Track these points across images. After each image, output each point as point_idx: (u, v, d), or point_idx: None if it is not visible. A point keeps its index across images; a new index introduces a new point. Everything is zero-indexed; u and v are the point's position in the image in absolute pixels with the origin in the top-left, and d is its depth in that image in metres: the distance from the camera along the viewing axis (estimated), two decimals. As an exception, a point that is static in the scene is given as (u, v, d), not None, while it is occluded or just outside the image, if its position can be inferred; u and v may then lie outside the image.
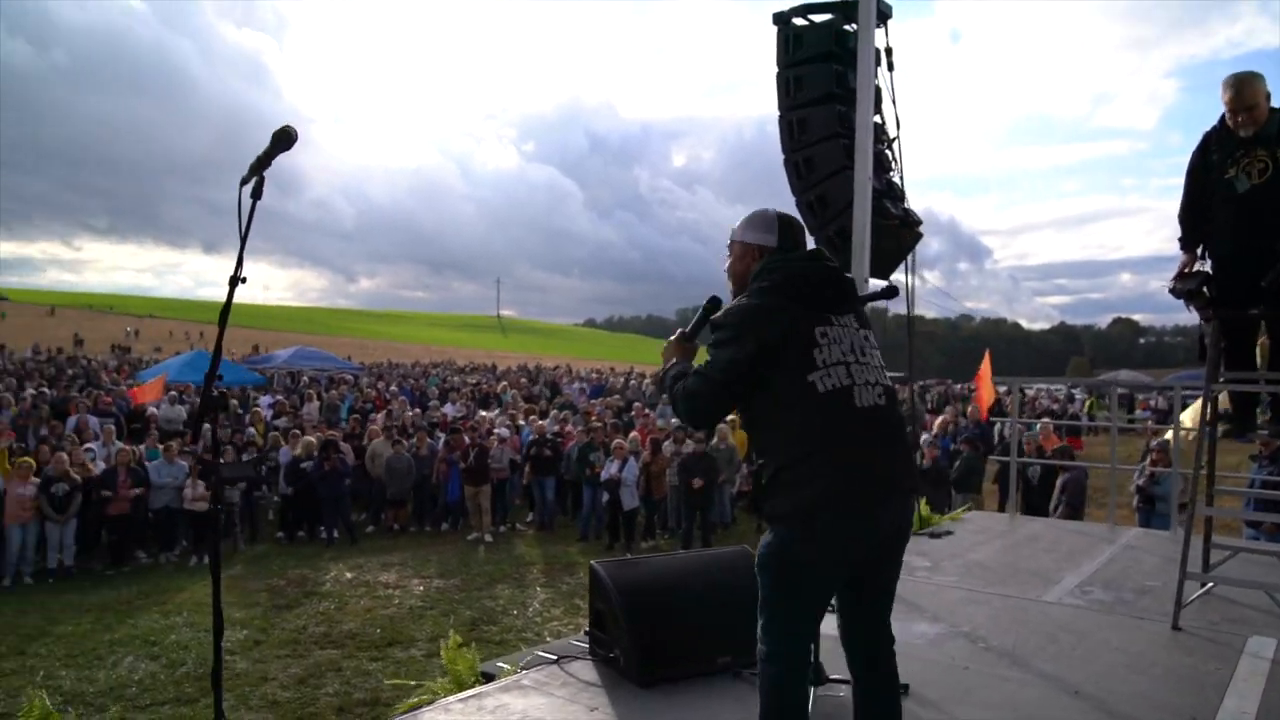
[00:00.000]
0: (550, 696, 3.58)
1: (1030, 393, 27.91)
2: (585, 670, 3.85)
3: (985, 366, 14.59)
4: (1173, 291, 4.81)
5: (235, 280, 2.19)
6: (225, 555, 11.51)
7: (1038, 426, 12.63)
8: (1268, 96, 4.47)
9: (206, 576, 8.92)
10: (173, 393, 18.62)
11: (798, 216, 2.80)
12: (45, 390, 18.84)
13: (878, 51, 6.09)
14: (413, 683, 4.39)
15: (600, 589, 3.83)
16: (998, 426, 15.28)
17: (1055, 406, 26.30)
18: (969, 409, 15.99)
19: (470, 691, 3.72)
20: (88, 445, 12.26)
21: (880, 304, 6.44)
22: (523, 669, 4.04)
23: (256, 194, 2.14)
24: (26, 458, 10.76)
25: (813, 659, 3.05)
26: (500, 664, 4.28)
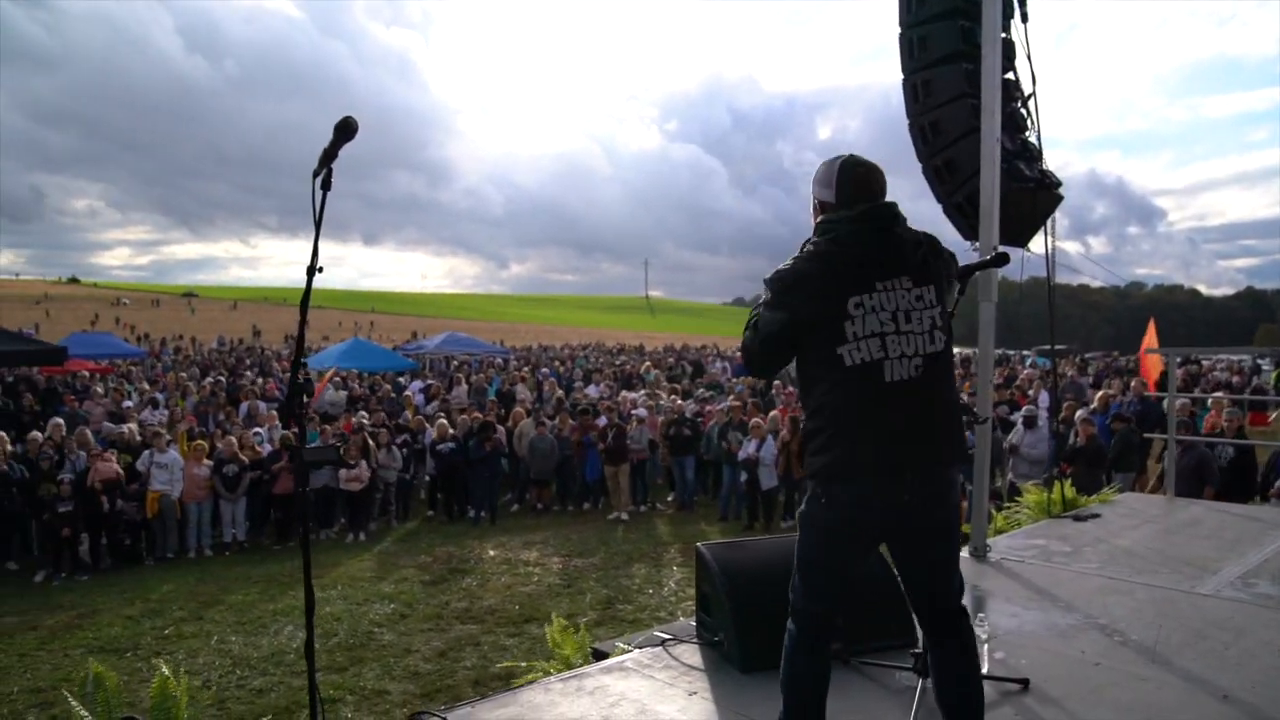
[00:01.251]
0: (650, 679, 3.56)
1: (1206, 364, 25.81)
2: (689, 654, 3.81)
3: (1150, 337, 13.59)
4: None
5: (312, 270, 2.25)
6: (379, 532, 12.16)
7: (1210, 402, 11.64)
8: None
9: (361, 553, 9.44)
10: (337, 379, 19.75)
11: (876, 165, 2.66)
12: (222, 378, 20.33)
13: (1009, 2, 5.71)
14: (523, 663, 4.46)
15: (706, 571, 3.78)
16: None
17: (1236, 379, 24.18)
18: (1133, 382, 14.95)
19: (572, 672, 3.75)
20: (256, 429, 13.16)
21: (1038, 273, 6.08)
22: (636, 649, 4.05)
23: (326, 185, 2.20)
24: (201, 441, 11.68)
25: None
26: (618, 643, 4.31)
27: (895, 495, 2.50)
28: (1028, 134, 6.07)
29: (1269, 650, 3.76)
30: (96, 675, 3.13)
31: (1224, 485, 8.83)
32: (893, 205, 2.64)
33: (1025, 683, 3.37)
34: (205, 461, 11.26)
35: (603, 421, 13.48)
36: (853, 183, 2.64)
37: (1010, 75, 5.87)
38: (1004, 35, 5.53)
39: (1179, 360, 10.32)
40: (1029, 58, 5.90)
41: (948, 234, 5.89)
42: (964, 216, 5.68)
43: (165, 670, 3.25)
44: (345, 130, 2.17)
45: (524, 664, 4.54)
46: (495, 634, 7.64)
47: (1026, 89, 6.00)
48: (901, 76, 6.18)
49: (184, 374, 23.95)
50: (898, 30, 6.13)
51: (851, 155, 2.68)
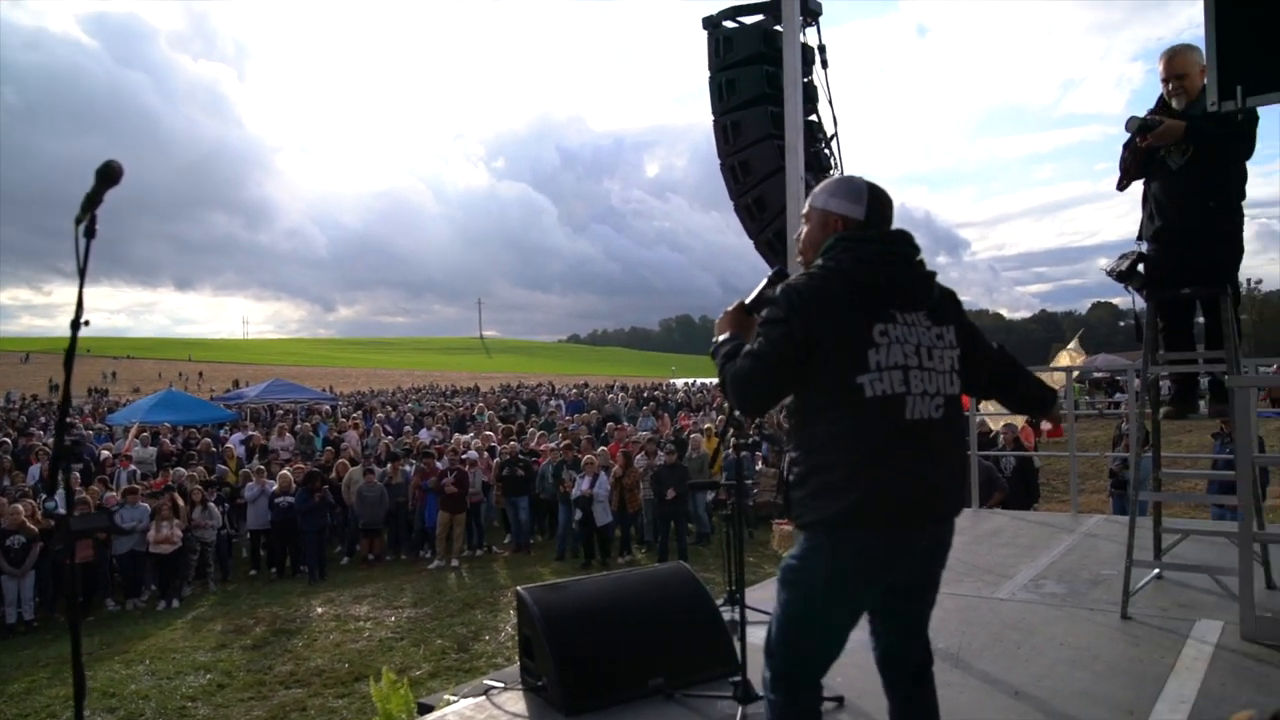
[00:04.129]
0: (473, 732, 3.46)
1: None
2: (513, 700, 3.73)
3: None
4: (1109, 273, 4.76)
5: (76, 324, 2.08)
6: (195, 597, 11.35)
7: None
8: (1202, 71, 4.44)
9: (173, 621, 8.77)
10: (145, 434, 18.43)
11: (887, 191, 2.52)
12: (8, 439, 18.55)
13: (809, 49, 6.04)
14: (346, 724, 4.25)
15: (526, 615, 3.72)
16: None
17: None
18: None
19: (392, 731, 3.60)
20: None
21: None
22: (461, 699, 3.94)
23: (90, 233, 2.05)
24: (-21, 511, 10.55)
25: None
26: (446, 695, 4.17)
27: (910, 545, 2.31)
28: (832, 173, 6.42)
29: (1053, 645, 4.07)
30: None
31: (1011, 491, 9.92)
32: (913, 236, 2.47)
33: (840, 700, 3.49)
34: (-13, 533, 10.17)
35: (442, 465, 13.15)
36: (881, 205, 2.46)
37: (813, 118, 6.21)
38: (806, 80, 5.84)
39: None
40: (830, 102, 6.27)
41: (763, 269, 6.13)
42: (774, 252, 5.93)
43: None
44: (108, 175, 2.04)
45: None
46: (323, 696, 7.27)
47: (829, 130, 6.36)
48: (712, 117, 6.44)
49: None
50: (708, 74, 6.39)
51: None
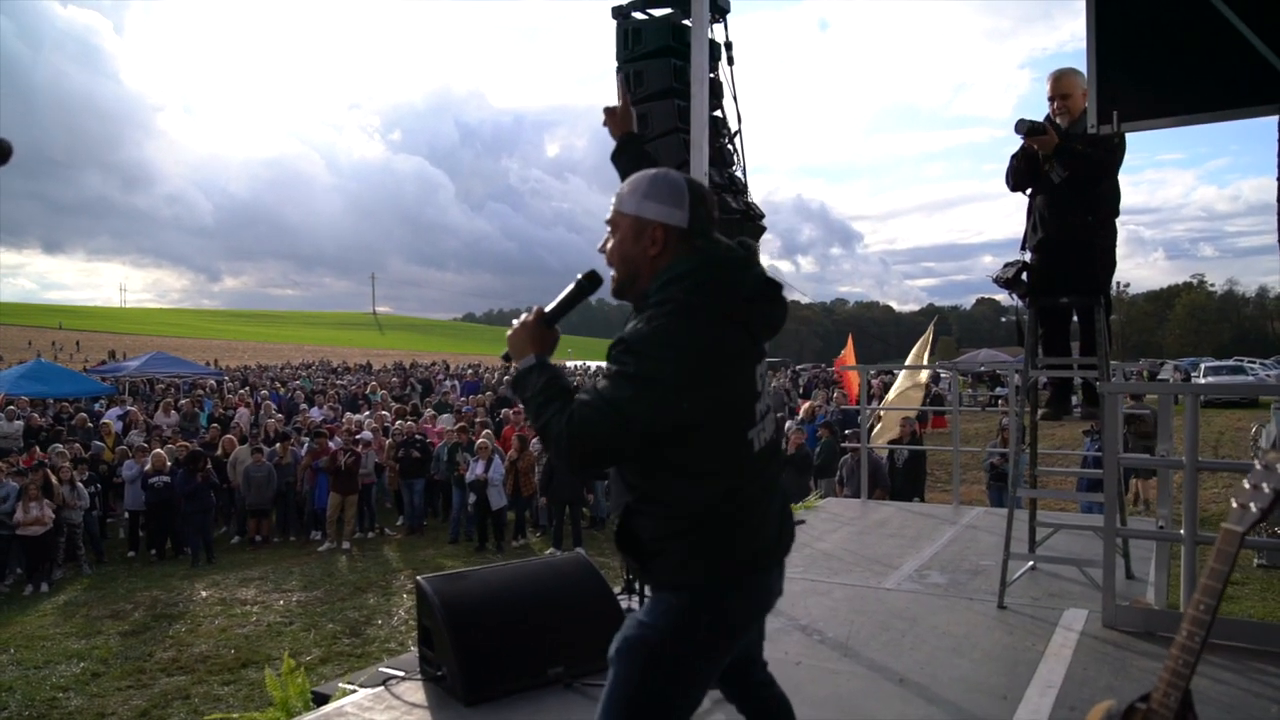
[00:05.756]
0: (372, 723, 3.44)
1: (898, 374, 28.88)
2: (413, 691, 3.72)
3: (848, 352, 15.02)
4: (995, 280, 5.02)
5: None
6: (66, 581, 10.81)
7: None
8: (1084, 93, 4.72)
9: (42, 606, 8.33)
10: (10, 407, 17.39)
11: (705, 185, 2.26)
12: None
13: (716, 45, 6.14)
14: (235, 715, 4.16)
15: (426, 605, 3.71)
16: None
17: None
18: (835, 394, 16.45)
19: (287, 724, 3.55)
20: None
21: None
22: (359, 688, 3.90)
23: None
24: None
25: None
26: (341, 684, 4.12)
27: (780, 578, 2.21)
28: (734, 169, 6.54)
29: (935, 633, 4.29)
30: None
31: (901, 483, 10.37)
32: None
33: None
34: None
35: (335, 445, 12.84)
36: (705, 205, 2.12)
37: (718, 113, 6.30)
38: (712, 76, 5.93)
39: (873, 373, 11.54)
40: (735, 98, 6.38)
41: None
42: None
43: None
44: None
45: (237, 715, 4.24)
46: (208, 683, 7.06)
47: (733, 127, 6.48)
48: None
49: None
50: (614, 64, 6.41)
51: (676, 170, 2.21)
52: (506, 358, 2.12)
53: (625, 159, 2.90)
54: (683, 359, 1.88)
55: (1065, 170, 4.51)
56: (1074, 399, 5.58)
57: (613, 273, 2.13)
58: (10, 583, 10.58)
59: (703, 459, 1.98)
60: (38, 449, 13.68)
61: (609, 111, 3.01)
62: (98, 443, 14.84)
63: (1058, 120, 4.71)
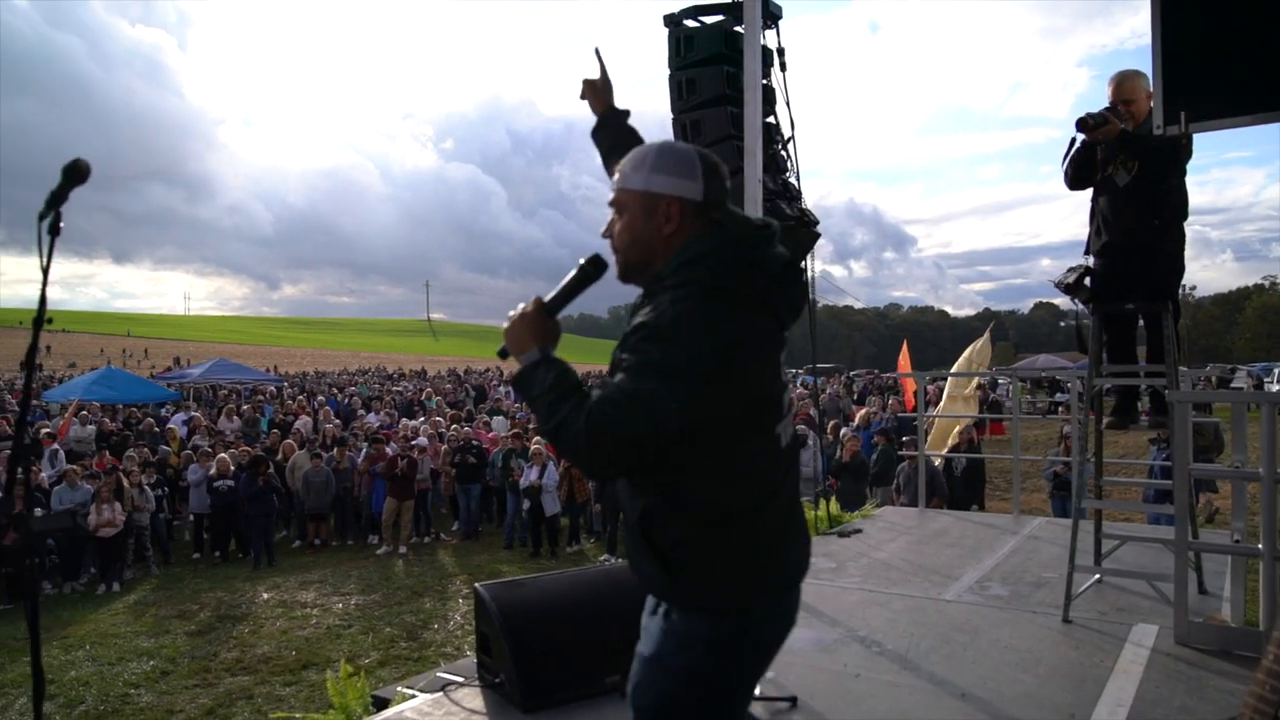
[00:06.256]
0: (431, 729, 3.48)
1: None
2: (471, 697, 3.76)
3: (904, 358, 14.82)
4: (1056, 285, 4.91)
5: (40, 322, 2.05)
6: (136, 581, 11.12)
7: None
8: (1148, 96, 4.61)
9: (113, 605, 8.59)
10: (84, 412, 17.97)
11: (716, 157, 2.01)
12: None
13: (769, 52, 6.11)
14: (299, 715, 4.24)
15: (484, 612, 3.74)
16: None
17: (981, 394, 26.79)
18: (890, 401, 16.24)
19: (349, 728, 3.60)
20: (-18, 473, 11.69)
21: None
22: (419, 692, 3.95)
23: (54, 230, 2.01)
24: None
25: None
26: (400, 688, 4.17)
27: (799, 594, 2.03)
28: (788, 175, 6.50)
29: (997, 647, 4.20)
30: None
31: (959, 492, 10.13)
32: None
33: (793, 700, 3.57)
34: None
35: (391, 451, 13.04)
36: (719, 178, 1.93)
37: (771, 119, 6.27)
38: (764, 82, 5.90)
39: (929, 379, 11.37)
40: (788, 104, 6.34)
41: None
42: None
43: None
44: (75, 173, 2.01)
45: (299, 715, 4.31)
46: (270, 683, 7.20)
47: (786, 133, 6.44)
48: (672, 115, 6.47)
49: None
50: (667, 72, 6.42)
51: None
52: (503, 354, 1.93)
53: (607, 134, 2.65)
54: (713, 346, 1.70)
55: (1132, 165, 4.40)
56: (1140, 406, 5.43)
57: (619, 256, 1.94)
58: (84, 582, 10.93)
59: (734, 457, 1.80)
60: (107, 453, 14.12)
61: (588, 84, 2.71)
62: (164, 447, 15.26)
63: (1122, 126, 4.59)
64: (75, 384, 22.65)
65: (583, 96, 2.73)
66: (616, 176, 1.95)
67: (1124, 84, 4.59)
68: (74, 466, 11.87)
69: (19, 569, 10.48)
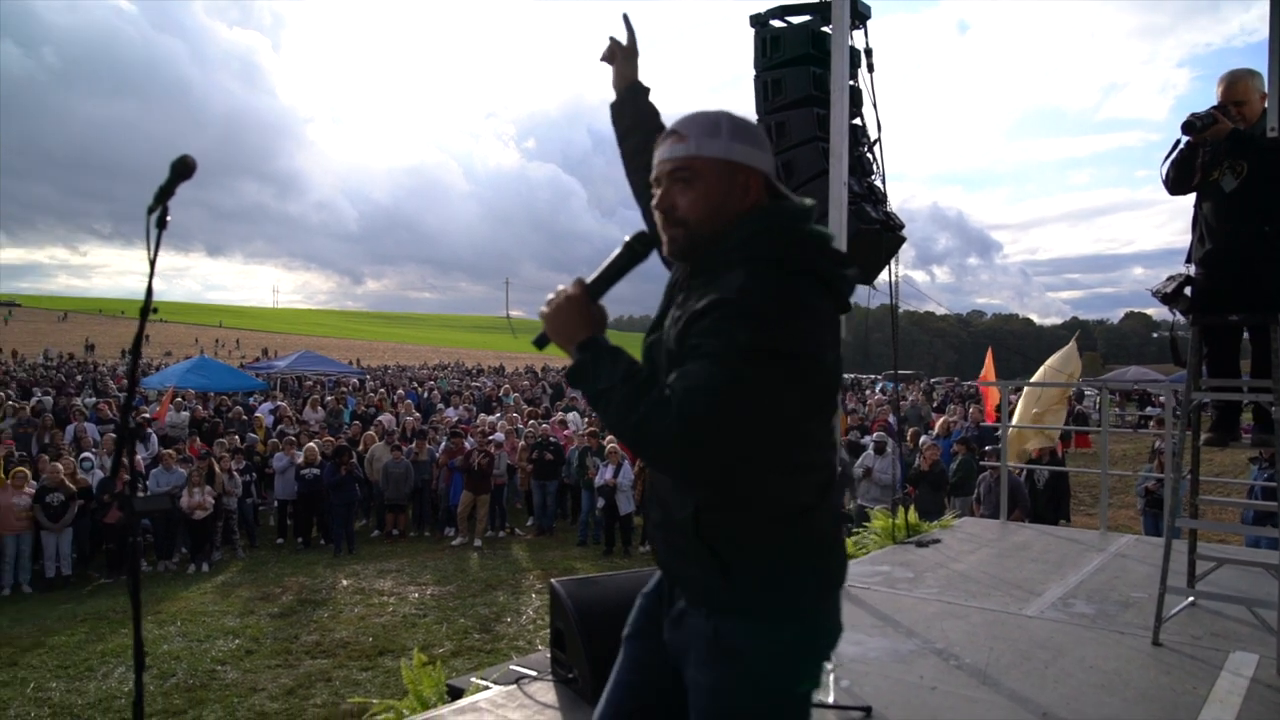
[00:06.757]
0: (504, 720, 3.53)
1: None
2: (544, 691, 3.79)
3: (988, 367, 14.45)
4: (1154, 294, 4.72)
5: (146, 311, 2.13)
6: (223, 562, 11.54)
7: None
8: (1262, 97, 4.41)
9: (203, 584, 8.95)
10: (179, 399, 18.71)
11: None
12: (49, 397, 18.91)
13: (856, 52, 6.03)
14: (375, 700, 4.34)
15: (560, 608, 3.77)
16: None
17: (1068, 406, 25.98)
18: (970, 409, 15.87)
19: (425, 714, 3.67)
20: (85, 454, 12.29)
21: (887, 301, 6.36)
22: (492, 684, 4.00)
23: (161, 224, 2.10)
24: (22, 468, 10.81)
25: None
26: (474, 679, 4.23)
27: None
28: (873, 178, 6.40)
29: (1081, 667, 4.06)
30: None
31: (1042, 505, 9.84)
32: None
33: (868, 710, 3.51)
34: (26, 490, 10.41)
35: (469, 445, 13.27)
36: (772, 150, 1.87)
37: (857, 121, 6.19)
38: (851, 83, 5.82)
39: (1012, 389, 11.06)
40: (875, 106, 6.24)
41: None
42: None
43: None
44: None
45: (376, 701, 4.41)
46: (347, 668, 7.39)
47: (872, 135, 6.34)
48: (756, 116, 6.43)
49: (2, 392, 22.14)
50: (753, 72, 6.39)
51: None
52: (541, 342, 1.76)
53: (629, 111, 2.47)
54: (807, 326, 1.58)
55: (1240, 169, 4.20)
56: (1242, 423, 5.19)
57: (683, 229, 1.74)
58: (176, 561, 11.40)
59: (801, 448, 1.67)
60: (197, 439, 14.69)
61: (617, 47, 2.48)
62: (251, 435, 15.79)
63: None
64: (171, 371, 23.60)
65: (606, 59, 2.51)
66: (681, 143, 1.74)
67: (1236, 84, 4.36)
68: (169, 450, 12.38)
69: (121, 546, 11.02)
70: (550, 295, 1.73)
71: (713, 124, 1.74)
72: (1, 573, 10.28)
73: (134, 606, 2.40)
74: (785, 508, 1.66)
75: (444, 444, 13.70)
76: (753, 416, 1.54)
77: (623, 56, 2.48)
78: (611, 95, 2.52)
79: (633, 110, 2.46)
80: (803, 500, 1.68)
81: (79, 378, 28.99)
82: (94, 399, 20.14)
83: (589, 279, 1.75)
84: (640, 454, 1.61)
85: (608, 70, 2.53)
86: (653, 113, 2.46)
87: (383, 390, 25.18)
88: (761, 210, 1.73)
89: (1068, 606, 5.02)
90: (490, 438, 13.68)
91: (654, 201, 1.77)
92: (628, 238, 1.79)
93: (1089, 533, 7.49)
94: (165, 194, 2.07)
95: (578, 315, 1.71)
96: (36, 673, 7.37)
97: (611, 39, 2.47)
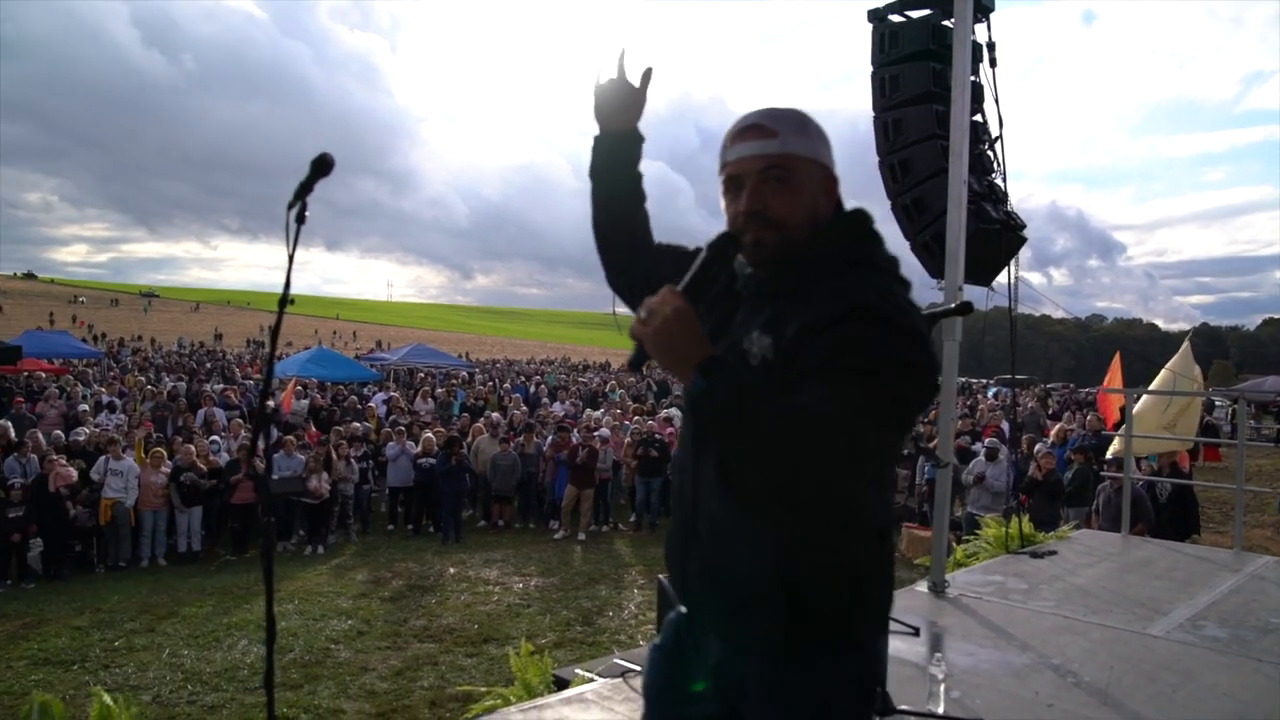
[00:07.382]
0: (610, 712, 3.56)
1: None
2: (649, 687, 3.82)
3: (1114, 371, 13.71)
4: None
5: (284, 302, 2.23)
6: (337, 546, 12.02)
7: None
8: None
9: (319, 566, 9.33)
10: (299, 387, 19.56)
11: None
12: (182, 382, 20.03)
13: (978, 46, 5.85)
14: (482, 687, 4.45)
15: (666, 601, 3.79)
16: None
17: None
18: (1088, 417, 15.20)
19: (532, 702, 3.74)
20: (214, 437, 12.98)
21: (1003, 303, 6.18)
22: (597, 676, 4.06)
23: (300, 219, 2.18)
24: (159, 448, 11.50)
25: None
26: (579, 670, 4.30)
27: None
28: (994, 176, 6.21)
29: (1214, 694, 3.84)
30: (41, 705, 3.05)
31: (1165, 520, 9.40)
32: None
33: (979, 723, 3.42)
34: (162, 469, 11.08)
35: (574, 440, 13.45)
36: None
37: (978, 118, 6.01)
38: (973, 79, 5.66)
39: (1136, 396, 10.53)
40: (996, 101, 6.04)
41: (913, 271, 6.00)
42: (930, 255, 5.77)
43: (105, 698, 3.17)
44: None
45: (483, 688, 4.52)
46: (453, 654, 7.59)
47: (994, 132, 6.14)
48: (873, 113, 6.31)
49: (142, 377, 23.57)
50: (870, 68, 6.27)
51: None
52: (637, 363, 1.53)
53: (621, 162, 2.23)
54: (926, 333, 1.49)
55: None
56: None
57: (777, 232, 1.59)
58: (294, 543, 11.93)
59: (889, 463, 1.59)
60: (313, 426, 15.32)
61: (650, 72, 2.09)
62: (365, 424, 16.38)
63: None
64: (292, 361, 24.65)
65: (644, 80, 2.11)
66: (767, 139, 1.60)
67: None
68: (289, 437, 12.95)
69: (245, 525, 11.61)
70: (643, 311, 1.47)
71: (800, 121, 1.63)
72: (141, 545, 10.99)
73: (266, 584, 2.52)
74: (866, 532, 1.57)
75: (550, 438, 13.92)
76: (905, 430, 1.49)
77: (637, 96, 2.15)
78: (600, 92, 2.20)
79: (627, 175, 2.24)
80: (882, 521, 1.60)
81: (208, 365, 30.64)
82: (221, 385, 21.23)
83: (679, 287, 1.51)
84: (782, 495, 1.46)
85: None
86: (642, 195, 2.24)
87: (491, 384, 25.74)
88: (854, 215, 1.67)
89: (1198, 629, 4.76)
90: (595, 433, 13.83)
91: (742, 204, 1.61)
92: (712, 239, 1.65)
93: (1221, 551, 7.08)
94: (305, 190, 2.14)
95: (690, 333, 1.44)
96: (171, 640, 7.82)
97: (645, 73, 2.11)
